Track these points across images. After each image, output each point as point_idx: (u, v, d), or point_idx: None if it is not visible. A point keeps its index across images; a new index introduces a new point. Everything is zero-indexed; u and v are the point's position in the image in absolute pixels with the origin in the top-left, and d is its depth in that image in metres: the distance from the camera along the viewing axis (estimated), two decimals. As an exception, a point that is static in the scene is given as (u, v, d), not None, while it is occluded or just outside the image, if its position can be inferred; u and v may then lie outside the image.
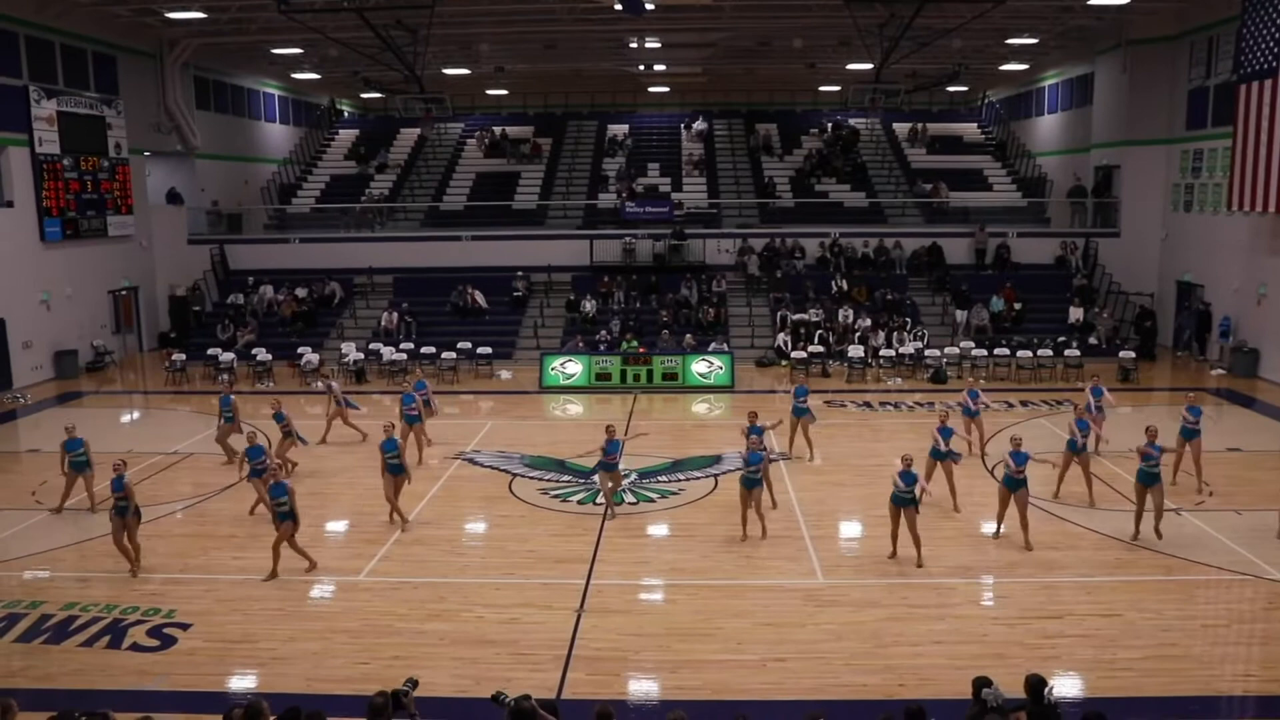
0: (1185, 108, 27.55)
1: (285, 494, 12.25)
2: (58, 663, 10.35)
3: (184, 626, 11.07)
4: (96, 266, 27.34)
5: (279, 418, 16.56)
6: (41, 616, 11.35)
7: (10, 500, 15.79)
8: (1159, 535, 13.16)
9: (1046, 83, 36.63)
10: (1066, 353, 25.18)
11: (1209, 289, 26.49)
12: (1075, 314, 27.49)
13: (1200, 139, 26.75)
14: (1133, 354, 24.82)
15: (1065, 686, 9.48)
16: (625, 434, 16.18)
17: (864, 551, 13.23)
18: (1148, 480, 13.09)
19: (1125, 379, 23.97)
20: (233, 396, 18.00)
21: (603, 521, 14.41)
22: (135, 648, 10.62)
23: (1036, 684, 7.40)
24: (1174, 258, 28.35)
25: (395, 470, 14.03)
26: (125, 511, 12.53)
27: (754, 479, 13.48)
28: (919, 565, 12.47)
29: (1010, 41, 30.25)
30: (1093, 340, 26.53)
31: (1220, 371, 24.81)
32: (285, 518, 12.26)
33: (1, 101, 23.70)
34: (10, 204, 24.36)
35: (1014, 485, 13.12)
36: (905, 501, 12.47)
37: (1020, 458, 13.07)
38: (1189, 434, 15.64)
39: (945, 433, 14.79)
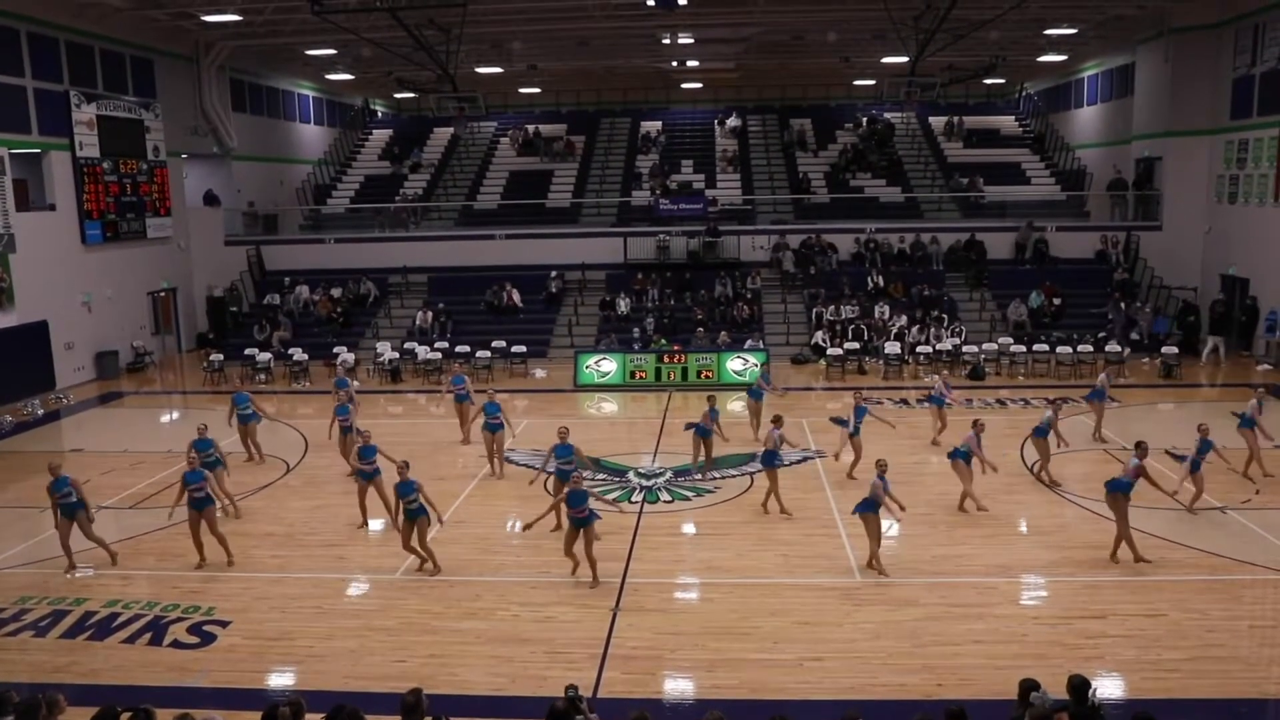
0: (1230, 97, 27.02)
1: (414, 491, 12.22)
2: (101, 659, 10.49)
3: (223, 624, 11.17)
4: (136, 268, 27.72)
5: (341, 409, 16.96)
6: (85, 613, 11.51)
7: (54, 499, 16.00)
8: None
9: (1086, 74, 36.09)
10: (1107, 348, 24.79)
11: (1255, 282, 25.94)
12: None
13: (1245, 129, 26.22)
14: (1175, 349, 24.39)
15: (1108, 687, 9.32)
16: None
17: (901, 550, 13.09)
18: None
19: (1168, 375, 23.54)
20: (248, 394, 18.03)
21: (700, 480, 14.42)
22: (176, 644, 10.74)
23: (1080, 685, 7.30)
24: (1218, 251, 27.82)
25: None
26: (203, 504, 12.78)
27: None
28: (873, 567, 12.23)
29: (1049, 32, 29.81)
30: (1134, 335, 26.10)
31: (1267, 367, 24.31)
32: (417, 514, 12.24)
33: (43, 107, 24.08)
34: (52, 207, 24.76)
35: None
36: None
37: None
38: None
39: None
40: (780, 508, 14.36)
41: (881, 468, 12.39)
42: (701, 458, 16.58)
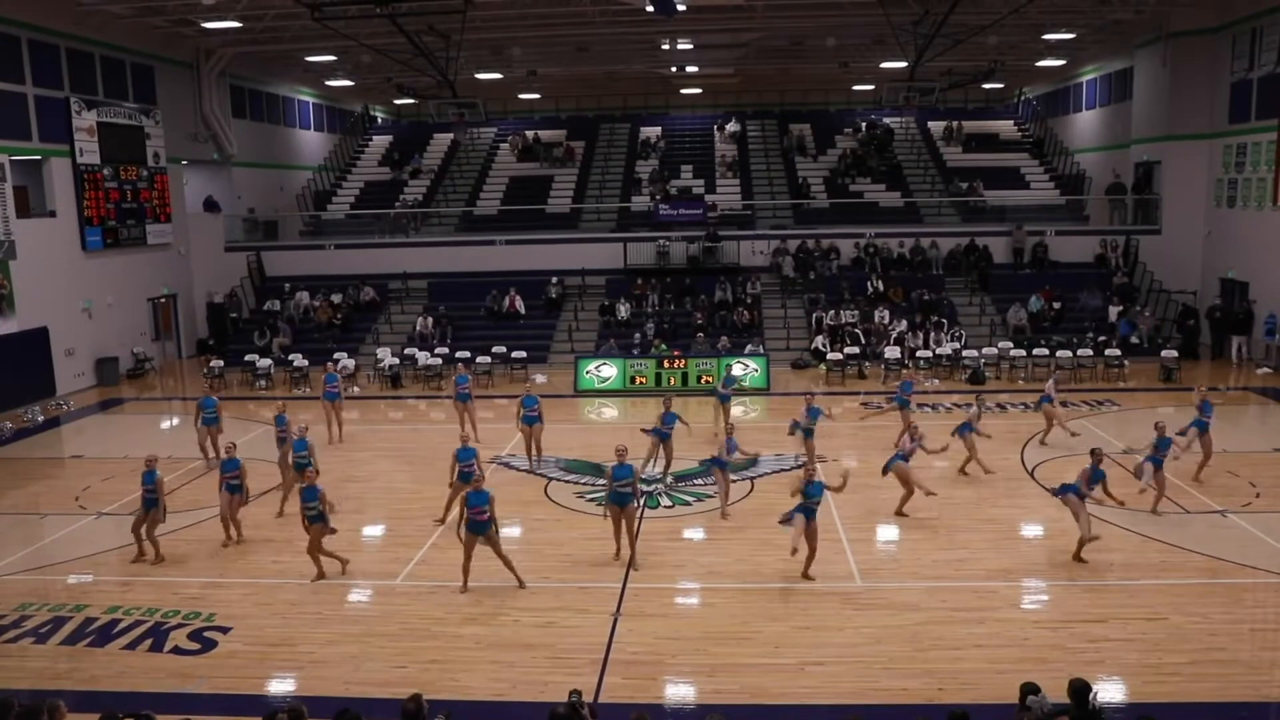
0: (1228, 101, 27.05)
1: (316, 498, 12.32)
2: (102, 665, 10.48)
3: (224, 630, 11.17)
4: (136, 274, 27.73)
5: (280, 420, 16.36)
6: (86, 620, 11.51)
7: (55, 505, 16.04)
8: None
9: (1084, 78, 36.14)
10: (1107, 352, 24.80)
11: (1254, 286, 25.96)
12: (1115, 313, 27.07)
13: (1244, 133, 26.24)
14: (1175, 353, 24.41)
15: (1110, 691, 9.32)
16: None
17: (902, 554, 13.09)
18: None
19: (1168, 379, 23.56)
20: (216, 399, 18.19)
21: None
22: (177, 650, 10.73)
23: (1080, 688, 7.29)
24: (1217, 254, 27.85)
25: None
26: (237, 490, 13.54)
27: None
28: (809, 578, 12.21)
29: (1047, 37, 29.83)
30: (1134, 339, 26.11)
31: (1267, 370, 24.31)
32: (315, 520, 12.33)
33: (44, 113, 24.10)
34: (53, 214, 24.78)
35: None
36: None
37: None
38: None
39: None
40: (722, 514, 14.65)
41: (810, 474, 12.27)
42: (657, 465, 16.59)
